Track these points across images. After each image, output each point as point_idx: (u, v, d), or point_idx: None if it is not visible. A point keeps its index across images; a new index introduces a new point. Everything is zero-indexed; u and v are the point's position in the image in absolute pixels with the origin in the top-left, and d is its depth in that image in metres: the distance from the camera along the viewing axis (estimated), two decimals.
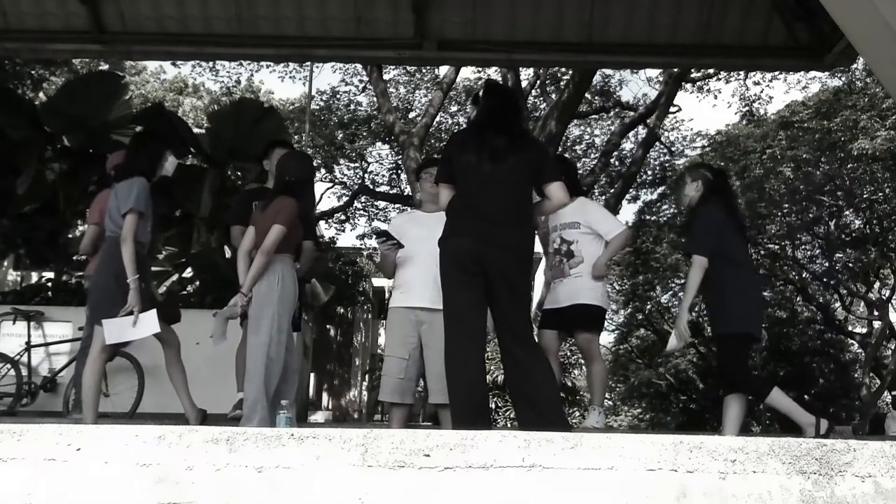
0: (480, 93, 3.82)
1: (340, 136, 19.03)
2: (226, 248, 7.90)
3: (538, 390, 3.36)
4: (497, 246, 3.41)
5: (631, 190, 17.97)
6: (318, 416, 10.88)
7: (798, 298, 21.14)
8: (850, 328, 21.58)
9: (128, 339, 4.00)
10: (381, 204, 19.80)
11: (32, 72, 12.56)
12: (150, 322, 3.90)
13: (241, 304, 3.87)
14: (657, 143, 17.66)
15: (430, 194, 4.23)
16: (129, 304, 3.85)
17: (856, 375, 21.14)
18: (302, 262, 4.86)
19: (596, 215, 4.78)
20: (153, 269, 6.06)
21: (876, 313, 19.06)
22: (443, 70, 15.49)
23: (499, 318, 3.50)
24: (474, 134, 3.66)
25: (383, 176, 20.24)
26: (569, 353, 11.80)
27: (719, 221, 4.07)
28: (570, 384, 12.25)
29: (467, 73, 18.25)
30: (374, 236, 4.14)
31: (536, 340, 3.99)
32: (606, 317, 5.45)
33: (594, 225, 4.62)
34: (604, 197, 17.83)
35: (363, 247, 19.50)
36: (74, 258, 7.98)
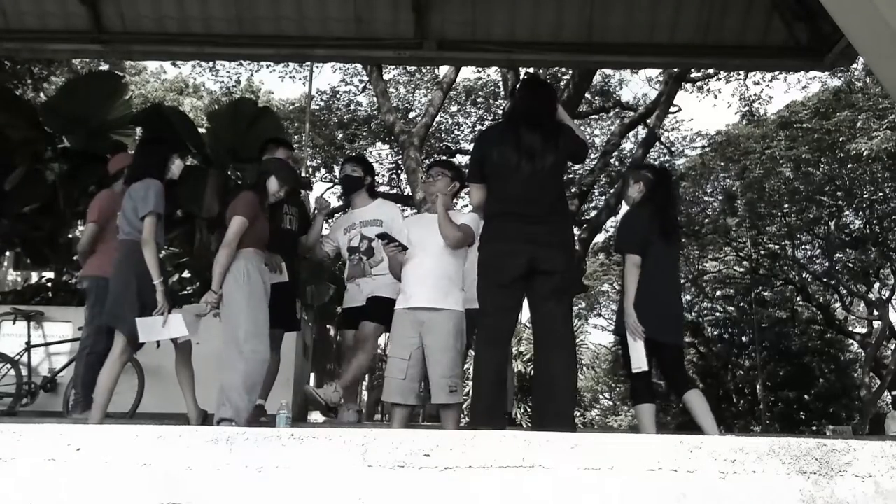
0: (517, 86, 3.81)
1: (340, 136, 19.04)
2: None
3: (560, 390, 3.37)
4: (545, 245, 3.41)
5: None
6: (319, 416, 10.86)
7: (798, 298, 21.15)
8: (850, 328, 21.58)
9: (157, 339, 4.04)
10: None
11: (34, 69, 12.55)
12: (177, 324, 3.96)
13: (211, 302, 3.92)
14: (657, 143, 17.65)
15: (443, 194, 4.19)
16: (159, 306, 3.90)
17: (856, 375, 21.15)
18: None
19: (399, 221, 4.69)
20: None
21: (876, 313, 19.07)
22: (443, 70, 15.50)
23: (540, 317, 3.50)
24: (509, 130, 3.61)
25: (383, 176, 20.24)
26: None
27: (639, 224, 4.08)
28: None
29: (467, 73, 18.29)
30: (377, 239, 4.15)
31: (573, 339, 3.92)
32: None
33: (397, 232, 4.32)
34: (604, 197, 17.84)
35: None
36: (74, 258, 7.98)
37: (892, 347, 20.55)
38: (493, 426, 2.95)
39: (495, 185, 3.55)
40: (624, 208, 4.90)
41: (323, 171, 19.67)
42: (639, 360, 3.95)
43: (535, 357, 3.62)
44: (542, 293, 3.46)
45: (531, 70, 9.52)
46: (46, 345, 6.55)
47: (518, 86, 3.83)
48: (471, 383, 3.67)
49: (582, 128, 19.51)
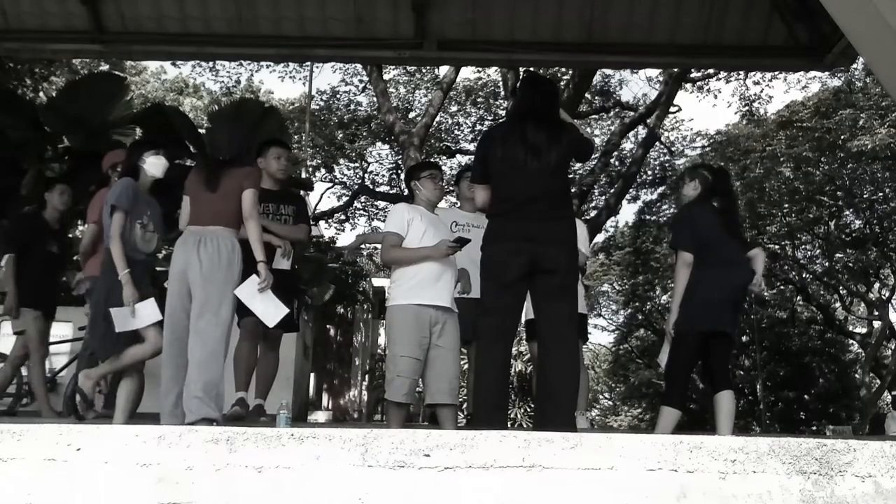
0: (518, 84, 3.81)
1: (340, 136, 19.04)
2: None
3: (562, 390, 3.37)
4: (545, 244, 3.40)
5: (631, 190, 17.98)
6: (318, 416, 10.87)
7: (798, 298, 21.15)
8: (850, 328, 21.59)
9: (132, 328, 3.99)
10: (381, 204, 19.82)
11: (35, 70, 12.54)
12: (148, 311, 3.92)
13: (264, 274, 3.77)
14: (657, 143, 17.65)
15: (435, 197, 4.14)
16: (125, 297, 3.85)
17: (856, 375, 21.15)
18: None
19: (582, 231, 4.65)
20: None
21: (876, 313, 19.07)
22: (443, 70, 15.51)
23: (544, 316, 3.49)
24: (513, 129, 3.61)
25: (383, 176, 20.26)
26: None
27: (699, 220, 4.05)
28: None
29: (467, 73, 18.28)
30: (454, 242, 3.93)
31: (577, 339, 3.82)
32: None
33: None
34: (604, 197, 17.85)
35: (363, 246, 19.50)
36: (75, 258, 7.97)
37: (892, 347, 20.56)
38: (494, 426, 2.95)
39: (498, 183, 3.54)
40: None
41: (323, 170, 19.68)
42: (662, 359, 4.04)
43: (538, 356, 3.61)
44: (545, 292, 3.46)
45: (531, 69, 9.53)
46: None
47: (520, 83, 3.82)
48: (472, 383, 3.67)
49: (582, 128, 19.54)
